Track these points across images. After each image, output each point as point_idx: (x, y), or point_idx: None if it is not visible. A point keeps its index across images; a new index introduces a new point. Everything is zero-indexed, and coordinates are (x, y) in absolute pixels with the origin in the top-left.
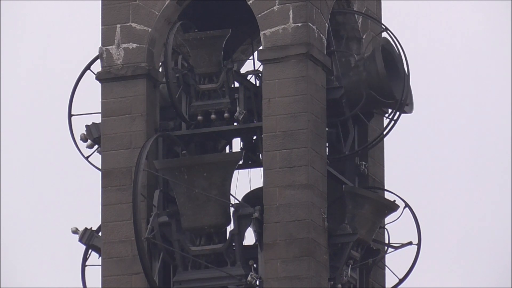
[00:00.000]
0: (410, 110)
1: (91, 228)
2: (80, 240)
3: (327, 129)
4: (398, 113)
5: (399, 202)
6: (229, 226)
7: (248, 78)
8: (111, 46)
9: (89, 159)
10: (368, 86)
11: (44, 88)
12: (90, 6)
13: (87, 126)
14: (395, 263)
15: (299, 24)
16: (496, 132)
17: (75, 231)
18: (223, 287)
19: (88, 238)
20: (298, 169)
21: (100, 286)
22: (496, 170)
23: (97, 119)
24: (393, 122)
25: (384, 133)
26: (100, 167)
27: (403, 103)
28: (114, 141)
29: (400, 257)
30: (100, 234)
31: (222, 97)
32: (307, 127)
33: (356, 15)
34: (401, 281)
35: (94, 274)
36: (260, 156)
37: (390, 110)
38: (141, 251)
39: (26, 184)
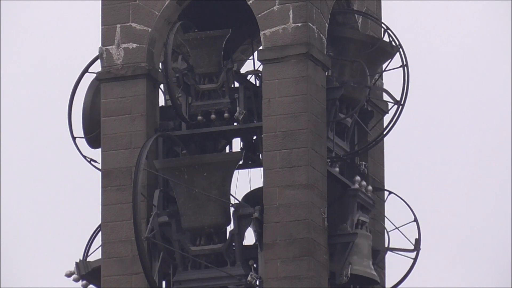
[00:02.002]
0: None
1: (79, 259)
2: (79, 275)
3: (349, 119)
4: (398, 113)
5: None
6: (229, 226)
7: (248, 78)
8: (111, 46)
9: (88, 159)
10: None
11: (44, 88)
12: (90, 6)
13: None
14: (395, 264)
15: (299, 24)
16: (496, 132)
17: (69, 274)
18: (223, 287)
19: (84, 268)
20: (298, 169)
21: (100, 286)
22: (496, 170)
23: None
24: (393, 122)
25: (384, 133)
26: (100, 167)
27: (403, 103)
28: (114, 141)
29: (400, 259)
30: (88, 259)
31: (222, 97)
32: (307, 127)
33: (356, 15)
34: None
35: None
36: (260, 156)
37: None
38: (141, 251)
39: (26, 184)
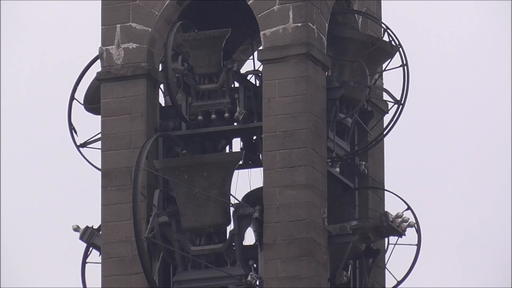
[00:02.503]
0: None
1: (92, 226)
2: (81, 238)
3: (349, 119)
4: (398, 112)
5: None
6: (229, 226)
7: (248, 78)
8: (111, 46)
9: (72, 126)
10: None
11: (44, 88)
12: (90, 6)
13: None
14: (395, 263)
15: (299, 24)
16: (496, 132)
17: (76, 229)
18: (223, 287)
19: (89, 237)
20: (298, 169)
21: (100, 286)
22: (496, 170)
23: (97, 120)
24: (393, 122)
25: (384, 133)
26: (100, 167)
27: (403, 103)
28: (114, 141)
29: (400, 258)
30: (100, 232)
31: (222, 97)
32: (307, 127)
33: (356, 15)
34: (399, 282)
35: (94, 273)
36: (260, 156)
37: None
38: (141, 251)
39: (26, 184)
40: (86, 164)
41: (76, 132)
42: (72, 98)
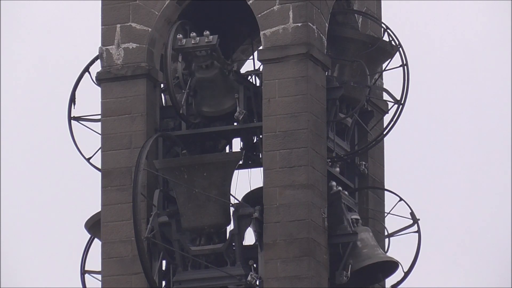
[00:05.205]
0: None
1: None
2: None
3: (349, 118)
4: (398, 112)
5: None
6: (229, 226)
7: (248, 78)
8: (111, 46)
9: (90, 160)
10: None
11: (43, 88)
12: (90, 6)
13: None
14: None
15: (299, 24)
16: (496, 132)
17: None
18: (223, 287)
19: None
20: (298, 169)
21: (100, 286)
22: (496, 170)
23: (97, 123)
24: (393, 122)
25: (384, 133)
26: (100, 168)
27: (403, 103)
28: (114, 141)
29: (402, 252)
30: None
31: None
32: (307, 127)
33: (356, 15)
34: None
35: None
36: (260, 156)
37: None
38: (141, 251)
39: (26, 184)
40: (86, 164)
41: (75, 140)
42: (72, 98)
